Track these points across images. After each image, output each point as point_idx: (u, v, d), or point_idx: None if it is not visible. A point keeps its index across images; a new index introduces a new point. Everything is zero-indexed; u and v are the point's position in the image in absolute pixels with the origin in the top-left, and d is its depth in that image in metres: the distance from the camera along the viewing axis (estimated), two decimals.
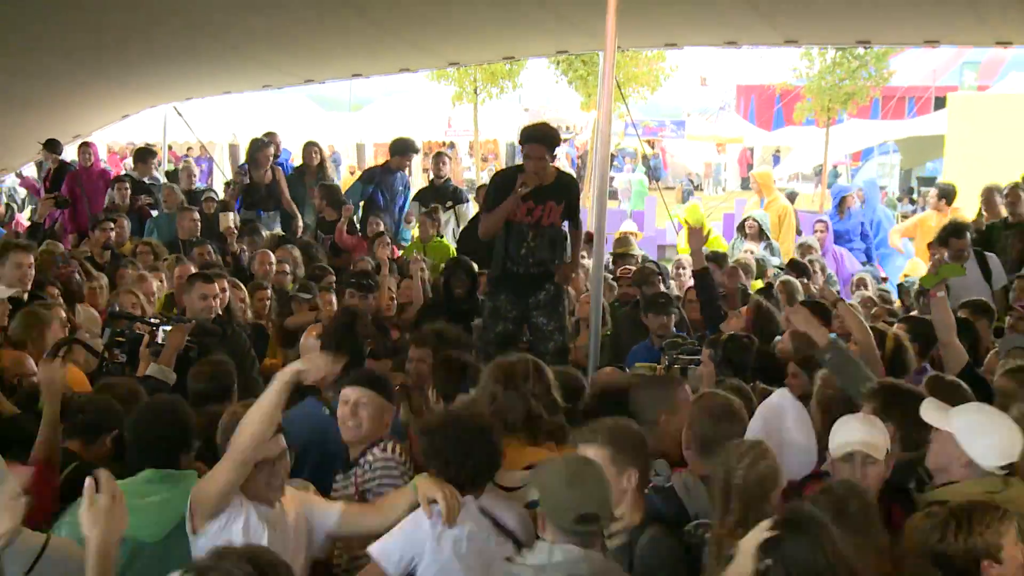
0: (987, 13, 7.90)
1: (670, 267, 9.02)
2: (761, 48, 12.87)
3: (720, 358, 4.90)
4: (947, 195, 10.68)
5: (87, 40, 8.61)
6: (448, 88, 16.55)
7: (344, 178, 17.14)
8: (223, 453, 3.19)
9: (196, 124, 12.91)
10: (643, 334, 6.49)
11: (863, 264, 10.73)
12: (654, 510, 3.31)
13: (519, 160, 6.86)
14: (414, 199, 10.28)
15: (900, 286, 8.95)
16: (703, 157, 29.02)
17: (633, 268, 7.96)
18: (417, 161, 16.74)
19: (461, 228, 9.55)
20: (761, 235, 9.90)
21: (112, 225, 8.54)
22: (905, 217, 15.35)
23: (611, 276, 8.03)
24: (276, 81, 11.68)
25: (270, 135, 10.85)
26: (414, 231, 10.04)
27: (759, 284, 8.33)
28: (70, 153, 12.49)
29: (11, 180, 15.18)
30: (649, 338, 6.40)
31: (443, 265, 7.93)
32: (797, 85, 17.07)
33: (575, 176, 7.48)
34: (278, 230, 9.73)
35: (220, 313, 5.68)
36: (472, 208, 10.23)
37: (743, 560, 2.48)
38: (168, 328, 5.01)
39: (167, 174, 11.63)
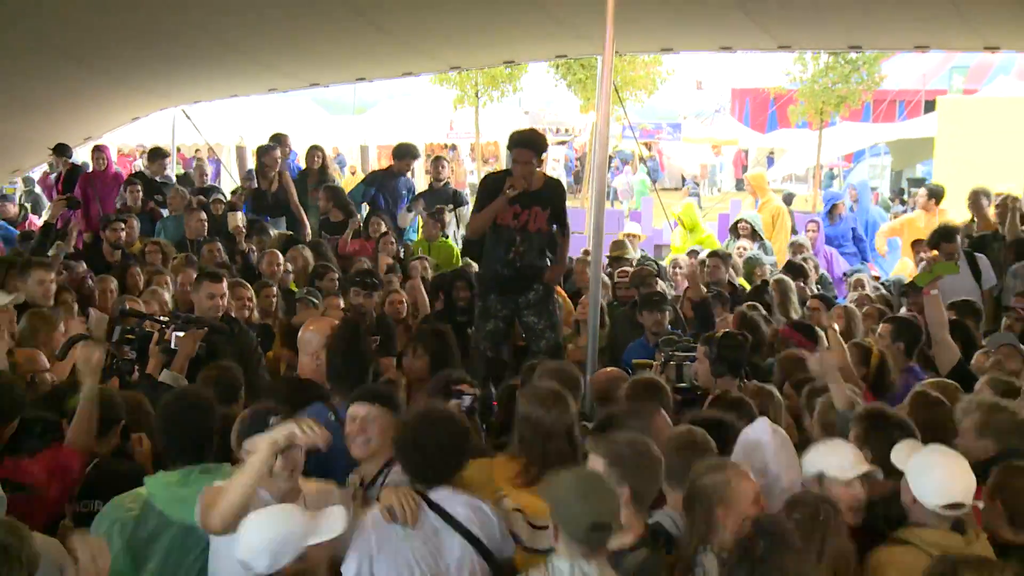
0: (975, 20, 7.98)
1: (667, 266, 9.22)
2: (755, 53, 12.98)
3: (715, 355, 4.96)
4: (936, 195, 10.74)
5: (97, 44, 8.64)
6: (450, 91, 16.59)
7: (346, 179, 17.26)
8: (237, 453, 3.43)
9: (204, 126, 13.04)
10: (641, 333, 6.59)
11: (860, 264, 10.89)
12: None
13: None
14: (412, 201, 10.41)
15: (883, 284, 9.14)
16: (699, 159, 29.14)
17: (630, 271, 8.08)
18: (420, 165, 16.91)
19: (463, 230, 9.69)
20: (754, 236, 9.98)
21: (122, 225, 8.63)
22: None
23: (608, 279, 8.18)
24: (282, 85, 11.69)
25: (280, 137, 10.87)
26: (419, 234, 10.15)
27: (745, 284, 8.52)
28: (82, 155, 12.60)
29: (23, 181, 15.35)
30: (644, 335, 6.51)
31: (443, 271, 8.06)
32: (791, 89, 17.17)
33: (562, 182, 7.62)
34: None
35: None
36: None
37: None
38: (176, 327, 5.04)
39: (178, 177, 11.73)
